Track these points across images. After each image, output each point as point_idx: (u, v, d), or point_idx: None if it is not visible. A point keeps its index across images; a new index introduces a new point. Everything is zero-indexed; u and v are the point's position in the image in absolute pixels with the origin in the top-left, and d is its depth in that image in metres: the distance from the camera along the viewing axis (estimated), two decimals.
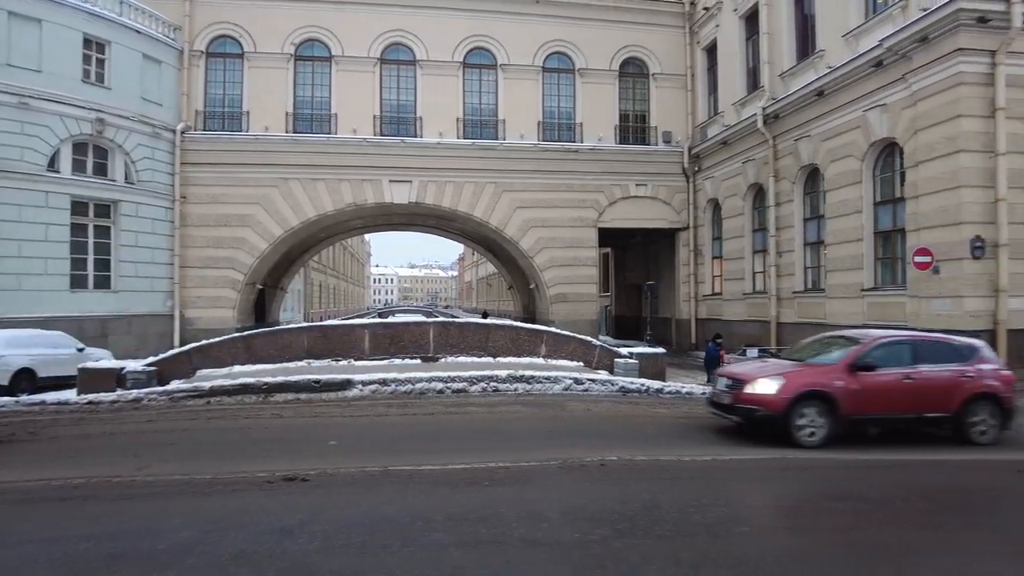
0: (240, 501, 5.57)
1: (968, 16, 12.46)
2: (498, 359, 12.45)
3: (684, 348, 23.02)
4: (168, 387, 11.77)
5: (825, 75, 16.21)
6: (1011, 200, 12.68)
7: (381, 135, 22.07)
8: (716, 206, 22.62)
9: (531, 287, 24.64)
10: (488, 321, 16.62)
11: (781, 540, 4.61)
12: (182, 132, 20.34)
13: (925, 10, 13.02)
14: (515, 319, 25.72)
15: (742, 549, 4.34)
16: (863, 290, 15.36)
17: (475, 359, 12.61)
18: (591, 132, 22.99)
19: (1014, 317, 12.71)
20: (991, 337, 12.65)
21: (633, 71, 23.66)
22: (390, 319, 17.14)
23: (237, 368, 12.79)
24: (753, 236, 20.54)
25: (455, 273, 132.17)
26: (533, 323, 20.37)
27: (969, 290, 12.69)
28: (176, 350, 13.84)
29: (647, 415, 9.75)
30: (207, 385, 11.47)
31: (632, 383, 11.61)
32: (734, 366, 9.76)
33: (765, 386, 7.94)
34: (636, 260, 29.41)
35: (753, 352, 15.28)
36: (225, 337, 13.78)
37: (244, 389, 11.40)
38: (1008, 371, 8.67)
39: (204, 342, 13.45)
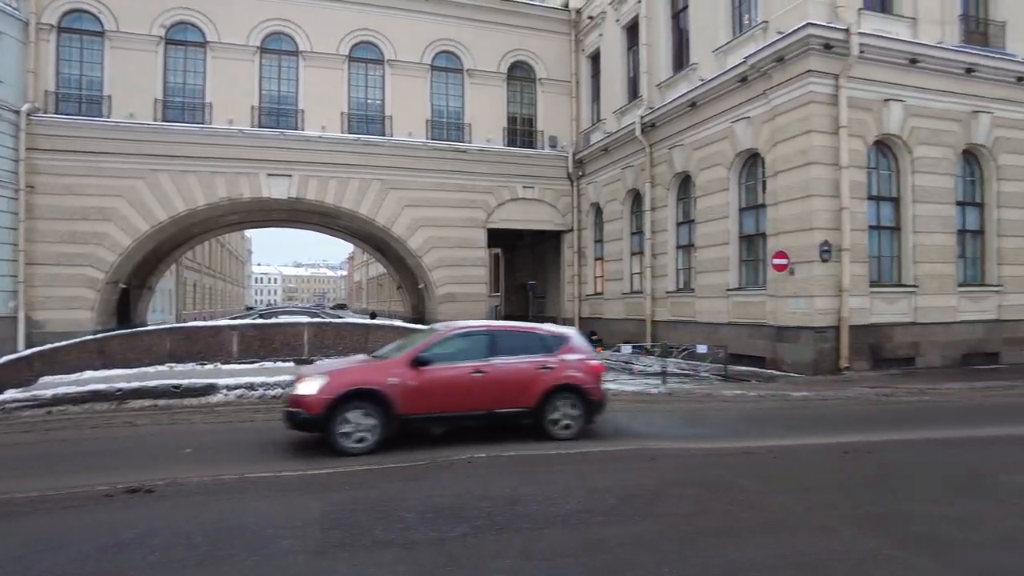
0: (71, 518, 5.05)
1: (816, 41, 13.66)
2: None
3: None
4: None
5: (698, 87, 17.21)
6: (852, 209, 14.06)
7: (260, 127, 21.02)
8: (598, 210, 23.45)
9: (420, 287, 24.40)
10: (368, 321, 16.23)
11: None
12: (28, 114, 18.36)
13: (781, 33, 14.14)
14: (405, 320, 25.32)
15: (598, 535, 4.48)
16: (728, 290, 16.44)
17: None
18: (480, 133, 23.10)
19: (855, 314, 14.07)
20: (836, 332, 13.99)
21: (521, 75, 24.03)
22: (261, 320, 16.32)
23: (88, 374, 11.71)
24: (631, 239, 21.48)
25: (344, 273, 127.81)
26: (422, 323, 20.16)
27: (819, 290, 13.90)
28: (13, 356, 12.46)
29: None
30: (48, 393, 10.39)
31: None
32: (315, 364, 8.93)
33: (308, 386, 7.07)
34: (525, 261, 29.91)
35: (627, 349, 15.98)
36: (74, 340, 12.56)
37: (94, 396, 10.43)
38: (597, 361, 8.31)
39: (49, 346, 12.21)
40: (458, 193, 22.65)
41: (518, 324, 8.96)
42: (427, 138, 22.52)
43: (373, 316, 30.96)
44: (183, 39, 20.58)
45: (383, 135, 22.13)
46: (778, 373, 14.33)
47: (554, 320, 25.83)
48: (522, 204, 23.67)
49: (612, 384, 13.10)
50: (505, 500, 5.32)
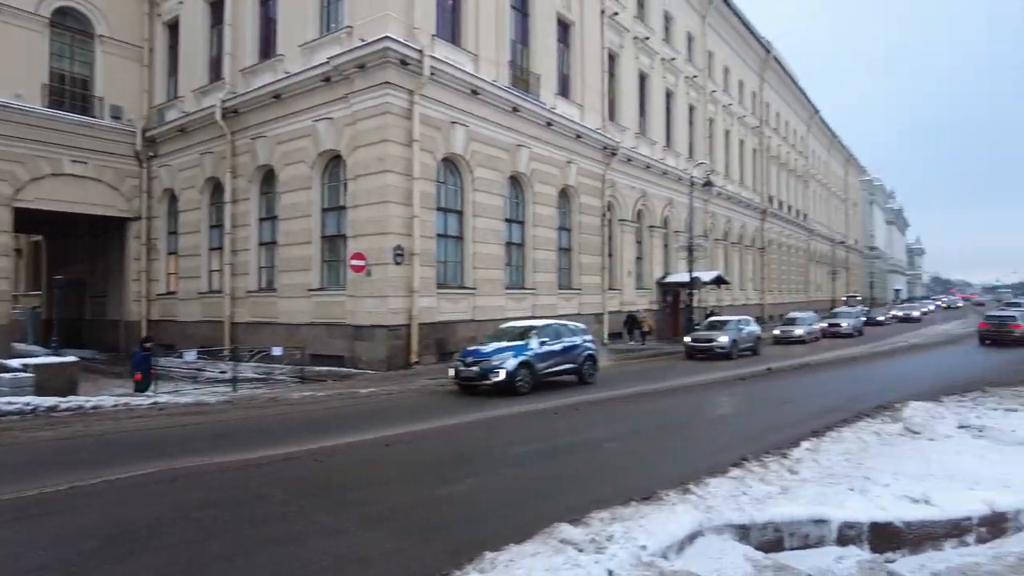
0: None
1: (394, 55, 14.43)
2: None
3: (132, 354, 20.31)
4: None
5: (283, 79, 16.55)
6: (423, 217, 15.27)
7: None
8: (173, 197, 20.80)
9: None
10: None
11: None
12: None
13: (364, 41, 14.54)
14: None
15: None
16: (310, 290, 16.22)
17: None
18: (5, 86, 18.07)
19: (423, 313, 15.31)
20: (407, 330, 14.97)
21: (73, 26, 19.70)
22: None
23: None
24: (210, 233, 19.61)
25: None
26: None
27: (392, 290, 14.69)
28: None
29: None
30: None
31: (13, 403, 9.17)
32: None
33: None
34: (80, 253, 24.65)
35: (191, 355, 14.38)
36: None
37: None
38: None
39: None
40: None
41: None
42: None
43: None
44: None
45: None
46: (355, 371, 14.67)
47: (117, 324, 21.94)
48: (70, 182, 19.36)
49: (166, 396, 11.52)
50: None
